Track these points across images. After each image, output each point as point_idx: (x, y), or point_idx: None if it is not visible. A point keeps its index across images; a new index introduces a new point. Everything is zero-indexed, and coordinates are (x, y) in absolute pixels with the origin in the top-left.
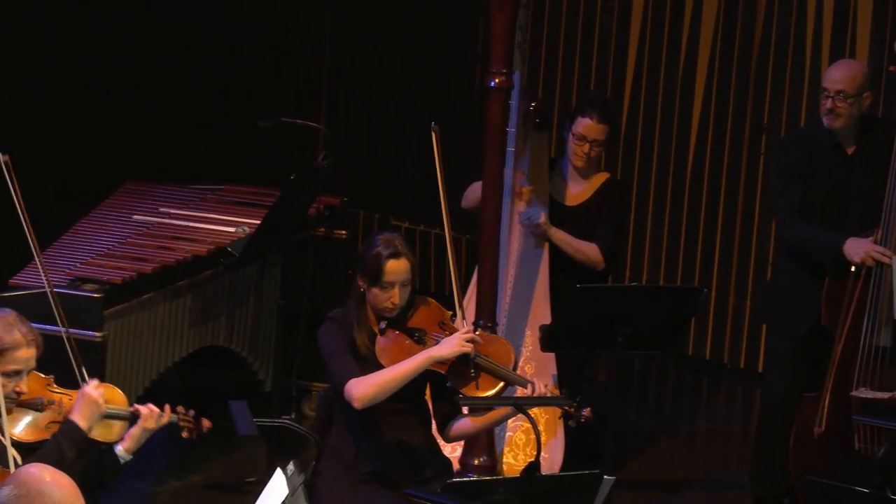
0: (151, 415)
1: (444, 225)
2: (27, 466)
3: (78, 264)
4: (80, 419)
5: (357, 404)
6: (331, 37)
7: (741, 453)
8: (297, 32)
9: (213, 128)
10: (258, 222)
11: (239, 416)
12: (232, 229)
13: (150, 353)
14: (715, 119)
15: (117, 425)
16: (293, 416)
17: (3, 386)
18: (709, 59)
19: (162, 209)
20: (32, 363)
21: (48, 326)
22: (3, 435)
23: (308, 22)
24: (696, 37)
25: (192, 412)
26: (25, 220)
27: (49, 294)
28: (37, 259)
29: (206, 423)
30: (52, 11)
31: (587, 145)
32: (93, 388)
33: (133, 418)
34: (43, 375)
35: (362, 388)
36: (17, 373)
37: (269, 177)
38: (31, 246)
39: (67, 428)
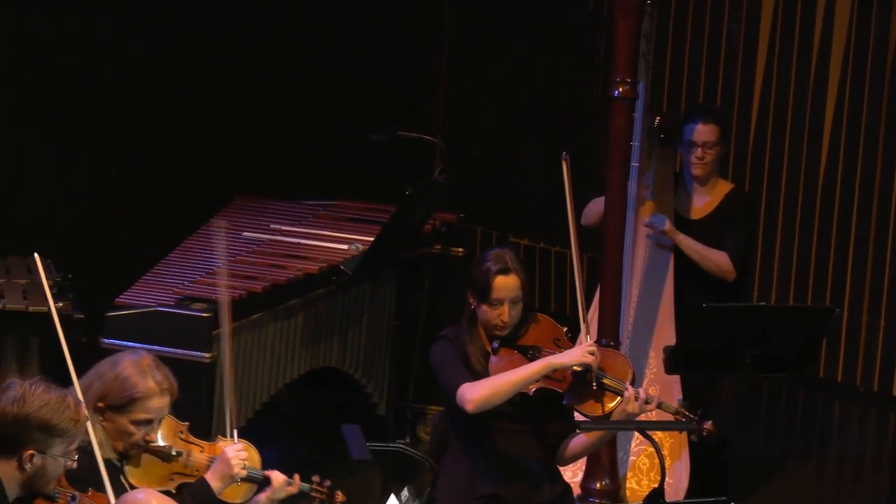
0: (284, 485)
1: (571, 247)
2: (135, 492)
3: (186, 283)
4: (215, 481)
5: (470, 406)
6: (448, 47)
7: (875, 481)
8: (413, 43)
9: (325, 142)
10: (372, 239)
11: (352, 440)
12: (345, 247)
13: (260, 375)
14: (847, 129)
15: (245, 487)
16: (408, 440)
17: (132, 434)
18: (841, 66)
19: (273, 226)
20: (164, 412)
21: (157, 347)
22: (125, 480)
23: (424, 33)
24: (827, 43)
25: (327, 483)
26: None
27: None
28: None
29: (339, 496)
30: (163, 29)
31: (699, 149)
32: (236, 451)
33: (263, 483)
34: (177, 421)
35: (476, 390)
36: (148, 422)
37: (383, 192)
38: None
39: (200, 488)
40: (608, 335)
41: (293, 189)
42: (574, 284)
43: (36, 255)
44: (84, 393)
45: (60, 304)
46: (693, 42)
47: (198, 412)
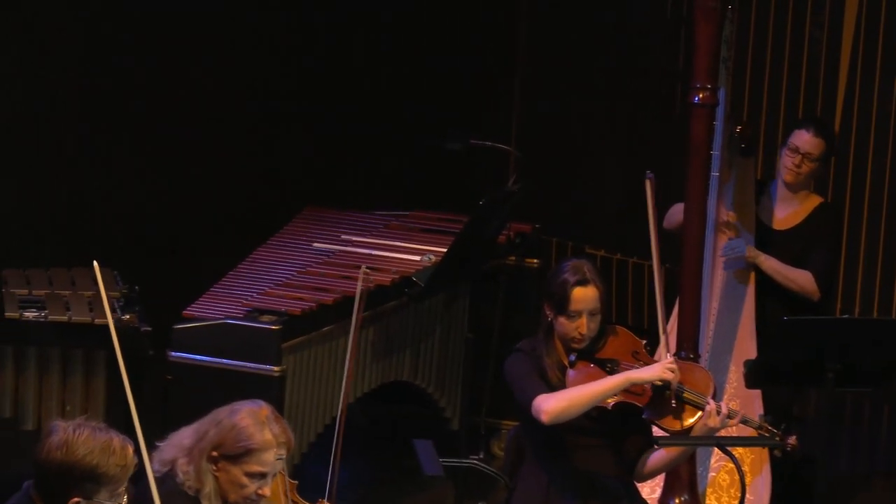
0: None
1: (653, 262)
2: None
3: (255, 294)
4: None
5: (545, 418)
6: (522, 53)
7: None
8: (486, 49)
9: (397, 150)
10: (445, 250)
11: (424, 455)
12: (417, 258)
13: (331, 389)
14: None
15: None
16: (482, 456)
17: (245, 487)
18: None
19: (343, 236)
20: (280, 465)
21: (225, 360)
22: None
23: (498, 38)
24: None
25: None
26: None
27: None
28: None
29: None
30: (234, 39)
31: (799, 157)
32: None
33: None
34: (287, 478)
35: (552, 402)
36: (262, 475)
37: (456, 202)
38: None
39: None
40: (688, 348)
41: (364, 199)
42: (653, 296)
43: (95, 263)
44: (199, 440)
45: (127, 317)
46: (774, 48)
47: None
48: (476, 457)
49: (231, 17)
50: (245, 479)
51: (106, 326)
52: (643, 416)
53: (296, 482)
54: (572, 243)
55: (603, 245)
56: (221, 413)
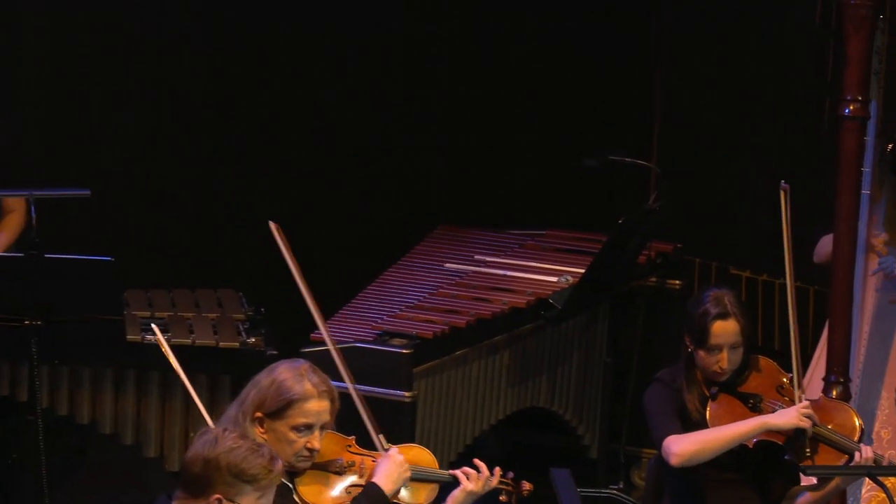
0: (478, 477)
1: (787, 285)
2: None
3: (385, 317)
4: (383, 482)
5: (674, 460)
6: (662, 66)
7: None
8: (624, 62)
9: (532, 167)
10: (582, 271)
11: (561, 485)
12: (554, 279)
13: (464, 415)
14: None
15: (426, 489)
16: (621, 486)
17: (294, 442)
18: None
19: (477, 256)
20: (325, 417)
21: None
22: (300, 499)
23: (637, 50)
24: None
25: (510, 474)
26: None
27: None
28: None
29: (526, 485)
30: (362, 56)
31: None
32: (395, 452)
33: (442, 481)
34: (343, 436)
35: (683, 444)
36: (308, 427)
37: (594, 221)
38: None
39: (369, 491)
40: (838, 372)
41: (499, 217)
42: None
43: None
44: (241, 404)
45: (253, 340)
46: None
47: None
48: (615, 487)
49: (358, 36)
50: (292, 434)
51: (230, 350)
52: (785, 458)
53: (353, 436)
54: (716, 264)
55: (748, 265)
56: (260, 375)
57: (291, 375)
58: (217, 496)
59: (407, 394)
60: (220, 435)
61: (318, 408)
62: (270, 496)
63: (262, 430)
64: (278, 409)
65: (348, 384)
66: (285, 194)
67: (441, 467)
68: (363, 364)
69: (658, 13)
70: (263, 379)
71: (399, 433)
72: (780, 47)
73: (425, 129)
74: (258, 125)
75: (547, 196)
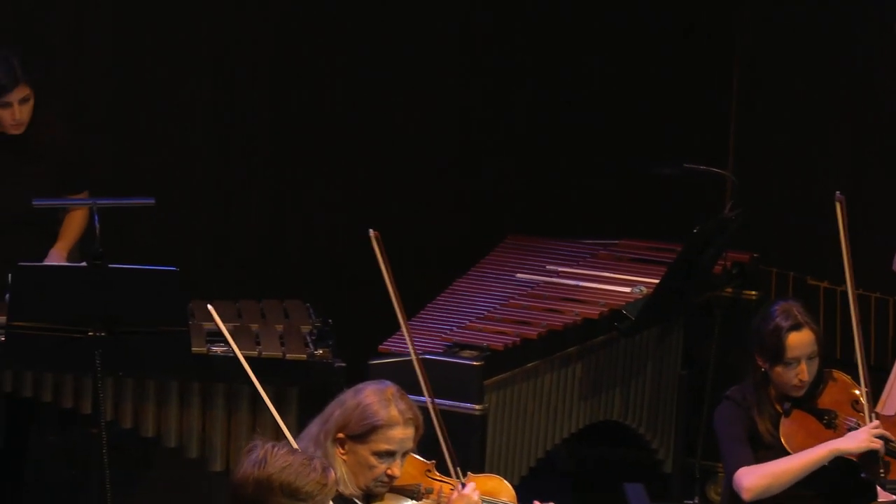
0: None
1: (849, 297)
2: None
3: (455, 328)
4: None
5: (746, 496)
6: (740, 69)
7: None
8: (700, 65)
9: (605, 175)
10: (657, 282)
11: (635, 500)
12: (627, 289)
13: (536, 429)
14: None
15: None
16: (696, 501)
17: (374, 468)
18: None
19: (548, 266)
20: (408, 444)
21: (423, 398)
22: None
23: (714, 56)
24: None
25: None
26: (393, 290)
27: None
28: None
29: None
30: (431, 63)
31: None
32: (472, 490)
33: None
34: (423, 460)
35: (753, 478)
36: (390, 454)
37: (668, 231)
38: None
39: None
40: None
41: (571, 226)
42: (882, 332)
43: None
44: (324, 424)
45: (320, 351)
46: None
47: (468, 468)
48: (690, 502)
49: (428, 47)
50: (373, 459)
51: (297, 361)
52: (861, 476)
53: (433, 461)
54: (793, 274)
55: (826, 276)
56: (346, 395)
57: (377, 399)
58: None
59: (477, 407)
60: (268, 452)
61: (402, 435)
62: None
63: (342, 451)
64: (361, 432)
65: (428, 401)
66: (353, 205)
67: (512, 482)
68: (432, 376)
69: (737, 20)
70: (349, 399)
71: (469, 447)
72: (859, 56)
73: (496, 138)
74: (326, 135)
75: (620, 205)
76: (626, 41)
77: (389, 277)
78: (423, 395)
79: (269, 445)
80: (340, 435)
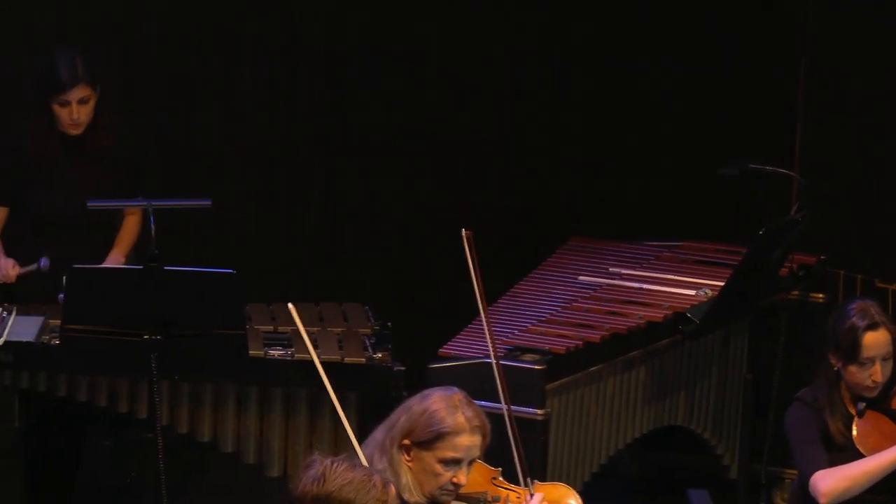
0: None
1: None
2: None
3: (516, 332)
4: None
5: (823, 500)
6: (806, 69)
7: None
8: (765, 64)
9: (668, 177)
10: (722, 284)
11: None
12: (692, 292)
13: (599, 434)
14: None
15: None
16: None
17: (439, 475)
18: None
19: (612, 269)
20: (475, 452)
21: (484, 402)
22: None
23: (780, 54)
24: None
25: None
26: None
27: (494, 366)
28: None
29: None
30: (501, 72)
31: None
32: (540, 500)
33: None
34: (489, 467)
35: (830, 482)
36: (457, 461)
37: (733, 232)
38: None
39: None
40: None
41: (634, 228)
42: None
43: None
44: (390, 430)
45: (379, 355)
46: None
47: (530, 474)
48: None
49: (490, 46)
50: (439, 467)
51: (357, 365)
52: None
53: (499, 468)
54: (861, 276)
55: (895, 278)
56: (413, 400)
57: (445, 406)
58: None
59: (539, 411)
60: (328, 469)
61: (468, 443)
62: None
63: (408, 457)
64: (428, 439)
65: (504, 408)
66: (413, 206)
67: (574, 488)
68: (493, 380)
69: (802, 20)
70: (415, 405)
71: (531, 452)
72: None
73: (558, 139)
74: (384, 136)
75: (684, 206)
76: (689, 40)
77: (477, 279)
78: (496, 401)
79: (328, 461)
80: (406, 441)
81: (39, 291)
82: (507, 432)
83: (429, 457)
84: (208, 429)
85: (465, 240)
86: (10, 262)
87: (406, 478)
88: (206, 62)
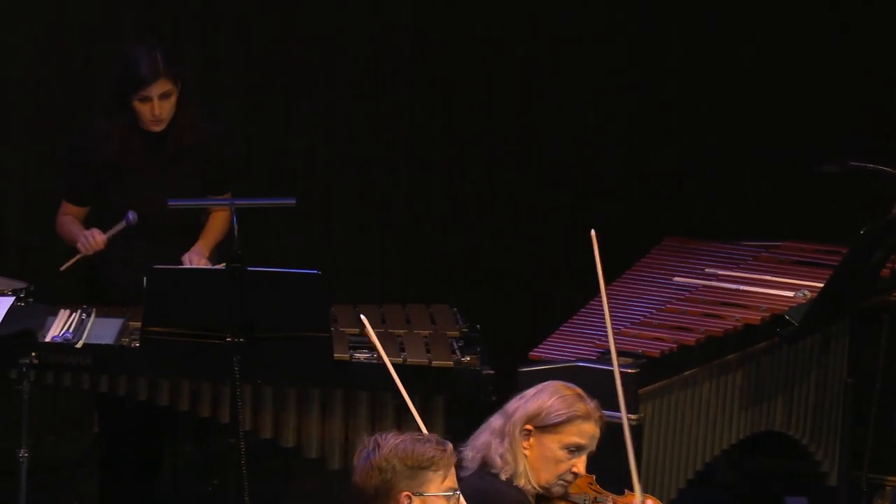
0: None
1: None
2: None
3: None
4: None
5: None
6: None
7: None
8: (867, 63)
9: (766, 176)
10: (821, 285)
11: None
12: (790, 294)
13: (694, 439)
14: None
15: None
16: None
17: (560, 462)
18: None
19: (707, 269)
20: (594, 444)
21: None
22: None
23: (880, 51)
24: None
25: None
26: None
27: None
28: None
29: None
30: (591, 66)
31: None
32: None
33: None
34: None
35: None
36: (579, 448)
37: (833, 232)
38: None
39: None
40: None
41: (731, 228)
42: None
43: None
44: (509, 416)
45: (467, 358)
46: None
47: (625, 481)
48: None
49: (584, 46)
50: (561, 453)
51: (444, 369)
52: None
53: (593, 475)
54: None
55: None
56: (530, 390)
57: (572, 393)
58: (405, 493)
59: (633, 416)
60: (378, 437)
61: (593, 431)
62: (453, 476)
63: (528, 443)
64: (556, 423)
65: (623, 417)
66: (499, 206)
67: (669, 495)
68: (585, 384)
69: None
70: (537, 393)
71: (621, 459)
72: None
73: (653, 137)
74: (471, 136)
75: (783, 205)
76: (785, 35)
77: (603, 280)
78: (617, 410)
79: (375, 435)
80: (528, 426)
81: (119, 293)
82: (624, 439)
83: (552, 441)
84: (292, 434)
85: (593, 240)
86: (95, 230)
87: (523, 464)
88: (290, 60)
